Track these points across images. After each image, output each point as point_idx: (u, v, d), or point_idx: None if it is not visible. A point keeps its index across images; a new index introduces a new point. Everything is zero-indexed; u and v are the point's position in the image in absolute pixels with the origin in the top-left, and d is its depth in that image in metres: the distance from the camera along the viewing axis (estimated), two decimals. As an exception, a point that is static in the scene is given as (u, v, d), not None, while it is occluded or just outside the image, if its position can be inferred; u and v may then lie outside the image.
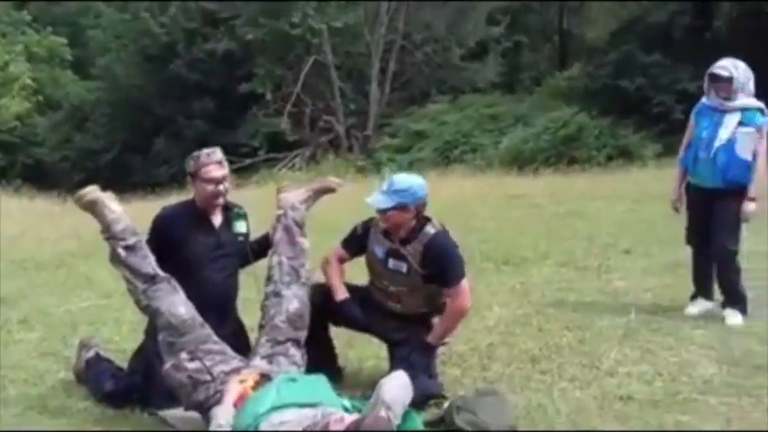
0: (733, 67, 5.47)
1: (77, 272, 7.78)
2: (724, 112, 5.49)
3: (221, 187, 4.34)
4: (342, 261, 4.54)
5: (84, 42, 33.35)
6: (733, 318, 5.50)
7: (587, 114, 20.33)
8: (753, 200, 5.45)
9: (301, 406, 3.40)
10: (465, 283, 4.34)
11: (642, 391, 4.29)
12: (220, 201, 4.38)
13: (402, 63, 26.89)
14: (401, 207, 4.23)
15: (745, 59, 5.59)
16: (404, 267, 4.30)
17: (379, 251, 4.37)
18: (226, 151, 4.58)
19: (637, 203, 10.88)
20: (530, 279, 6.92)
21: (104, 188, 4.25)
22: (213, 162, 4.36)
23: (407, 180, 4.33)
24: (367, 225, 4.47)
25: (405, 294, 4.36)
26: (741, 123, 5.44)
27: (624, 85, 21.12)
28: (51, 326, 5.83)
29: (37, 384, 4.62)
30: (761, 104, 5.50)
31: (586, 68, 23.85)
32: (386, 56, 26.24)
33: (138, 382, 4.25)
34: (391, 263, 4.34)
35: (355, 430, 3.16)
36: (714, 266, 5.71)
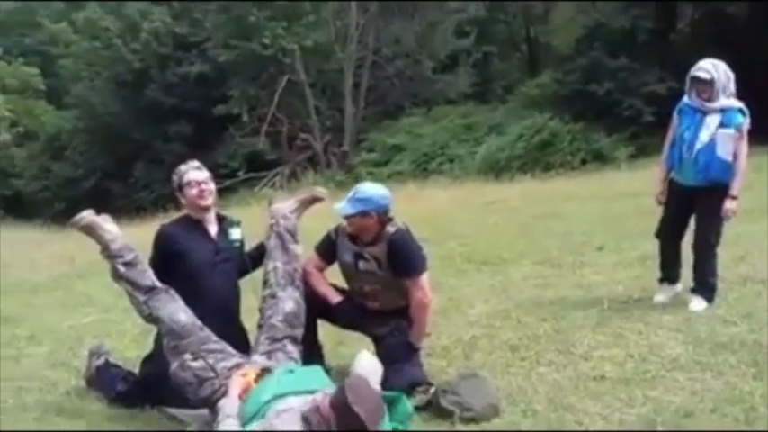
0: (714, 69, 5.63)
1: (75, 291, 8.07)
2: (705, 113, 5.68)
3: (204, 187, 4.71)
4: (320, 270, 4.87)
5: (55, 72, 33.48)
6: (697, 304, 5.79)
7: (560, 120, 20.75)
8: (734, 198, 5.66)
9: (301, 393, 3.72)
10: (425, 277, 4.67)
11: (614, 371, 4.63)
12: (208, 201, 4.72)
13: (375, 78, 27.25)
14: (363, 214, 4.56)
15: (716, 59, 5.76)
16: (373, 266, 4.63)
17: (348, 256, 4.71)
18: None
19: (609, 202, 11.24)
20: (508, 277, 7.26)
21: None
22: (192, 168, 4.78)
23: (370, 189, 4.66)
24: (336, 230, 4.81)
25: (379, 292, 4.69)
26: (722, 124, 5.62)
27: (593, 90, 21.50)
28: (58, 340, 6.15)
29: (51, 392, 4.93)
30: (741, 105, 5.67)
31: (555, 75, 24.26)
32: (358, 72, 26.57)
33: (149, 384, 4.55)
34: (361, 265, 4.67)
35: (340, 393, 3.48)
36: (693, 258, 5.97)
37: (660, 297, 6.06)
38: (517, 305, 6.22)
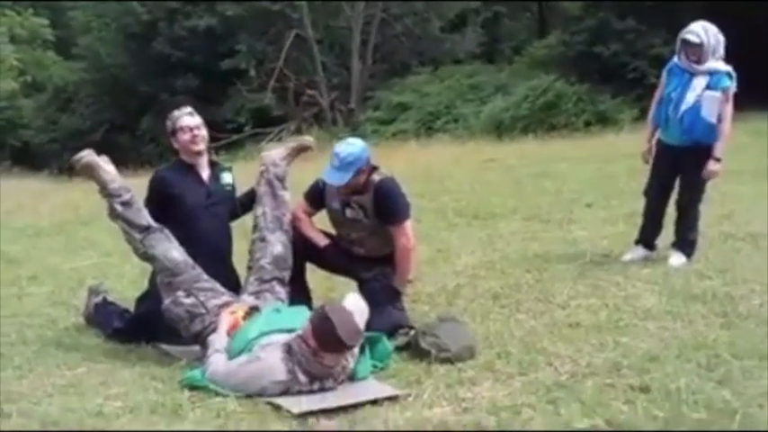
0: (704, 32, 5.74)
1: (77, 236, 8.32)
2: (693, 74, 5.80)
3: (197, 132, 4.89)
4: (309, 215, 5.07)
5: (65, 23, 33.51)
6: (677, 259, 6.00)
7: (565, 82, 20.78)
8: (718, 160, 5.81)
9: (286, 331, 3.96)
10: (408, 223, 4.86)
11: (588, 319, 4.83)
12: (201, 146, 4.91)
13: (382, 36, 27.23)
14: (356, 174, 4.72)
15: (717, 24, 5.84)
16: (360, 214, 4.83)
17: (335, 204, 4.90)
18: (211, 127, 5.16)
19: (605, 163, 11.41)
20: (497, 231, 7.47)
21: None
22: (184, 114, 4.95)
23: (351, 149, 4.75)
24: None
25: (366, 239, 4.89)
26: (708, 87, 5.75)
27: (600, 52, 21.47)
28: (59, 281, 6.41)
29: (51, 328, 5.18)
30: (729, 68, 5.79)
31: (563, 37, 24.20)
32: (366, 29, 26.55)
33: (143, 321, 4.77)
34: (348, 212, 4.86)
35: (319, 310, 3.76)
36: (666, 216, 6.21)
37: (629, 255, 6.22)
38: (503, 257, 6.43)
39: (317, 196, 5.01)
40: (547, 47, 25.17)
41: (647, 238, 6.26)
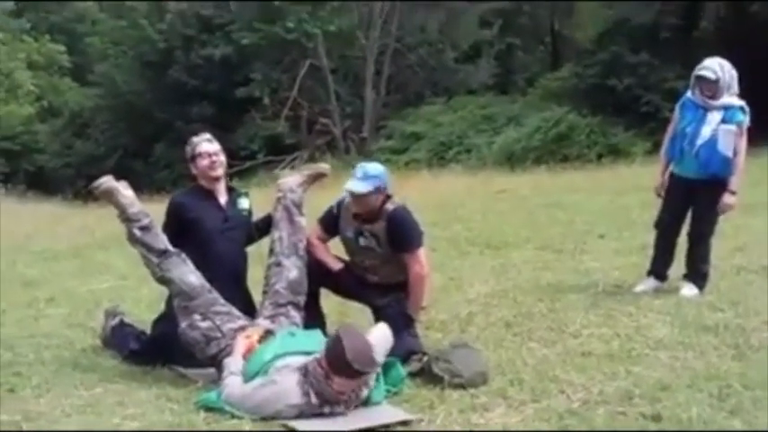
0: (720, 69, 5.82)
1: (94, 260, 8.42)
2: (707, 109, 5.87)
3: (215, 158, 4.97)
4: (323, 241, 5.13)
5: (81, 50, 33.89)
6: (689, 290, 6.03)
7: (578, 114, 20.89)
8: (733, 193, 5.88)
9: (301, 353, 4.01)
10: (422, 251, 4.92)
11: (601, 348, 4.86)
12: (219, 172, 4.99)
13: (396, 66, 27.45)
14: (377, 190, 4.80)
15: (730, 59, 5.93)
16: (373, 243, 4.88)
17: (349, 232, 4.96)
18: (225, 155, 5.17)
19: (617, 195, 11.45)
20: (509, 260, 7.51)
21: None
22: (204, 140, 5.05)
23: (377, 167, 4.92)
24: (339, 205, 5.03)
25: (378, 267, 4.94)
26: (723, 121, 5.82)
27: (613, 85, 21.54)
28: (76, 303, 6.49)
29: (68, 349, 5.24)
30: (742, 103, 5.88)
31: (576, 69, 24.32)
32: (380, 59, 26.78)
33: (160, 344, 4.82)
34: (362, 241, 4.92)
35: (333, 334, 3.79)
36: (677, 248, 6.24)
37: (641, 287, 6.25)
38: (515, 286, 6.47)
39: (331, 222, 5.08)
40: (560, 79, 25.31)
41: (659, 269, 6.28)
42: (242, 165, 23.83)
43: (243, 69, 26.43)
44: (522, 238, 8.47)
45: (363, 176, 4.81)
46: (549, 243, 8.16)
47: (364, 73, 26.73)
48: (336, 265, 5.03)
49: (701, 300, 5.86)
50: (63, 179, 30.89)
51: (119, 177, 4.84)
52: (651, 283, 6.27)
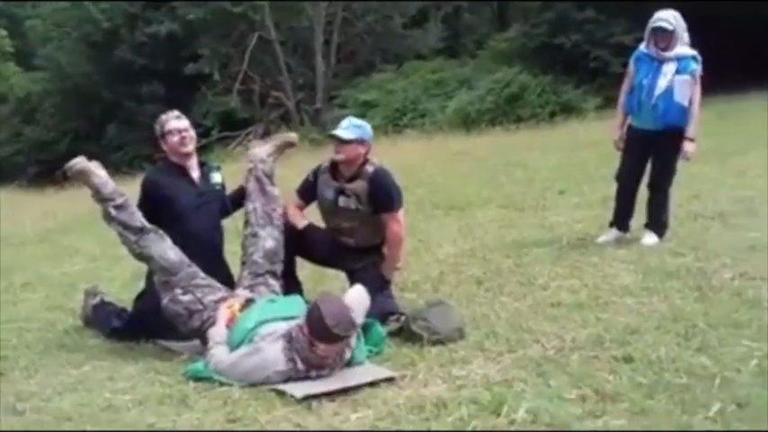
0: (674, 19, 6.01)
1: (62, 244, 8.43)
2: (662, 61, 6.05)
3: (185, 134, 5.05)
4: (300, 208, 5.24)
5: (23, 33, 33.21)
6: (649, 239, 6.25)
7: (528, 73, 21.07)
8: (691, 140, 6.09)
9: (282, 319, 4.12)
10: (401, 212, 5.05)
11: (570, 299, 5.04)
12: (189, 148, 5.07)
13: (345, 35, 27.36)
14: (360, 141, 4.92)
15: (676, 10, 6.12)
16: (352, 204, 4.99)
17: (329, 193, 5.05)
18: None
19: (573, 150, 11.68)
20: (474, 220, 7.69)
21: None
22: (172, 117, 5.11)
23: (362, 121, 5.08)
24: (316, 172, 5.15)
25: (356, 228, 5.04)
26: (678, 71, 6.01)
27: (561, 43, 21.74)
28: (52, 286, 6.53)
29: (50, 331, 5.30)
30: (694, 53, 6.07)
31: (524, 29, 24.47)
32: (329, 28, 26.67)
33: (142, 319, 4.90)
34: (341, 201, 5.02)
35: (313, 307, 3.90)
36: (648, 197, 6.40)
37: (604, 237, 6.45)
38: (482, 244, 6.64)
39: (308, 190, 5.18)
40: (508, 40, 25.42)
41: (621, 220, 6.48)
42: (197, 142, 23.62)
43: (191, 45, 26.17)
44: (484, 198, 8.65)
45: (348, 125, 4.96)
46: (511, 201, 8.35)
47: (313, 43, 26.63)
48: (302, 223, 5.13)
49: (662, 247, 6.07)
50: (15, 166, 30.46)
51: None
52: (614, 233, 6.46)
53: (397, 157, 12.39)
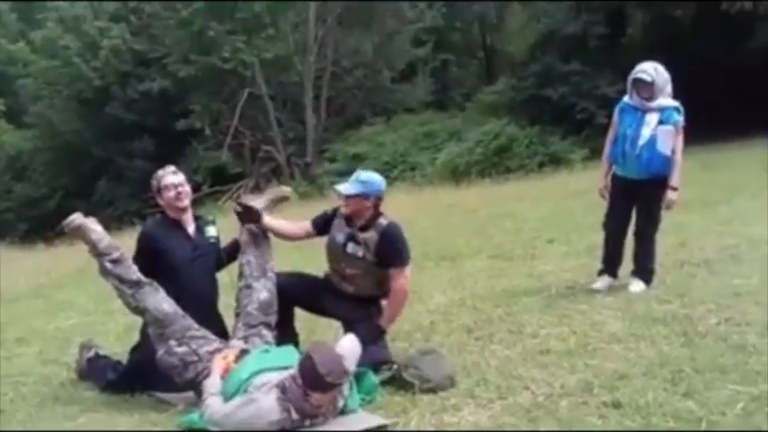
0: (654, 71, 6.15)
1: (55, 299, 8.49)
2: (645, 111, 6.20)
3: (181, 189, 5.17)
4: (307, 234, 5.32)
5: (14, 92, 33.44)
6: (636, 286, 6.33)
7: (516, 125, 21.34)
8: (674, 189, 6.20)
9: (276, 369, 4.19)
10: (408, 269, 5.15)
11: (559, 346, 5.11)
12: (185, 202, 5.18)
13: (335, 89, 27.72)
14: (363, 195, 5.01)
15: (659, 61, 6.28)
16: (360, 252, 5.07)
17: (340, 237, 5.13)
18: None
19: (560, 200, 11.82)
20: (464, 270, 7.79)
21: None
22: (168, 173, 5.23)
23: (371, 175, 5.14)
24: (335, 210, 5.24)
25: (359, 277, 5.12)
26: (661, 122, 6.16)
27: (548, 95, 22.08)
28: (46, 340, 6.59)
29: (46, 384, 5.35)
30: (677, 104, 6.22)
31: (511, 81, 24.86)
32: (318, 83, 27.01)
33: (137, 372, 4.95)
34: (350, 247, 5.10)
35: (306, 357, 3.97)
36: (634, 245, 6.50)
37: (598, 285, 6.53)
38: (472, 294, 6.72)
39: (322, 223, 5.26)
40: (496, 92, 25.82)
41: (609, 267, 6.57)
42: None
43: (182, 101, 26.41)
44: (474, 249, 8.75)
45: (353, 180, 5.05)
46: (500, 251, 8.45)
47: (303, 98, 26.94)
48: (273, 222, 5.23)
49: (649, 294, 6.16)
50: (4, 224, 30.41)
51: (61, 218, 4.94)
52: (606, 280, 6.54)
53: (389, 209, 12.50)
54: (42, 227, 23.99)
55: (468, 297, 6.64)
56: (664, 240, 6.87)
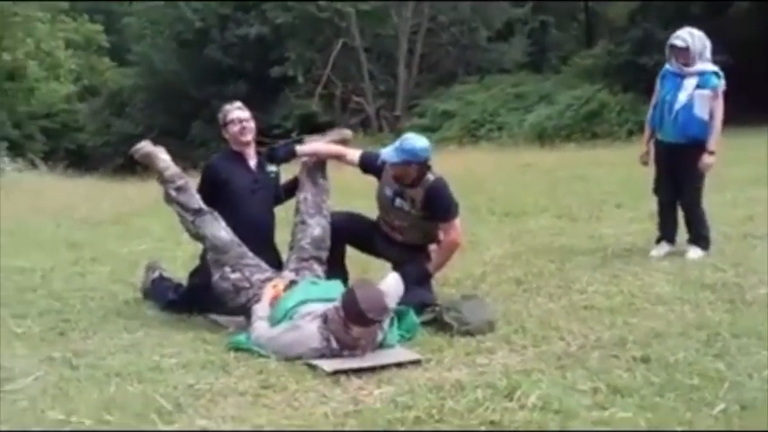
0: (689, 37, 6.21)
1: (133, 226, 8.96)
2: (683, 76, 6.25)
3: (245, 124, 5.39)
4: (348, 158, 5.48)
5: (119, 29, 34.37)
6: (694, 253, 6.34)
7: (609, 91, 21.05)
8: (712, 153, 6.23)
9: (322, 300, 4.41)
10: (458, 221, 5.29)
11: (603, 303, 5.19)
12: (248, 137, 5.41)
13: (429, 45, 27.72)
14: (405, 163, 5.14)
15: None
16: (406, 206, 5.24)
17: (389, 191, 5.31)
18: (259, 132, 5.63)
19: (639, 168, 11.64)
20: (526, 227, 7.88)
21: (142, 169, 5.24)
22: (235, 108, 5.48)
23: (414, 142, 5.16)
24: (384, 162, 5.32)
25: (406, 228, 5.30)
26: (698, 86, 6.20)
27: (644, 62, 21.66)
28: (118, 262, 7.00)
29: (112, 300, 5.72)
30: (716, 68, 6.24)
31: (609, 47, 24.43)
32: (413, 38, 27.06)
33: (195, 294, 5.26)
34: (397, 201, 5.27)
35: (349, 292, 4.18)
36: (680, 213, 6.55)
37: (655, 252, 6.55)
38: (529, 249, 6.83)
39: (373, 165, 5.38)
40: (593, 56, 25.41)
41: (667, 233, 6.59)
42: (275, 143, 24.17)
43: (277, 48, 26.84)
44: (540, 208, 8.82)
45: (398, 147, 5.13)
46: (566, 212, 8.50)
47: (397, 52, 27.03)
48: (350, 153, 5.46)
49: (705, 261, 6.16)
50: (102, 157, 31.57)
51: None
52: (664, 247, 6.56)
53: (465, 165, 12.64)
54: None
55: (524, 251, 6.74)
56: (733, 213, 6.87)
